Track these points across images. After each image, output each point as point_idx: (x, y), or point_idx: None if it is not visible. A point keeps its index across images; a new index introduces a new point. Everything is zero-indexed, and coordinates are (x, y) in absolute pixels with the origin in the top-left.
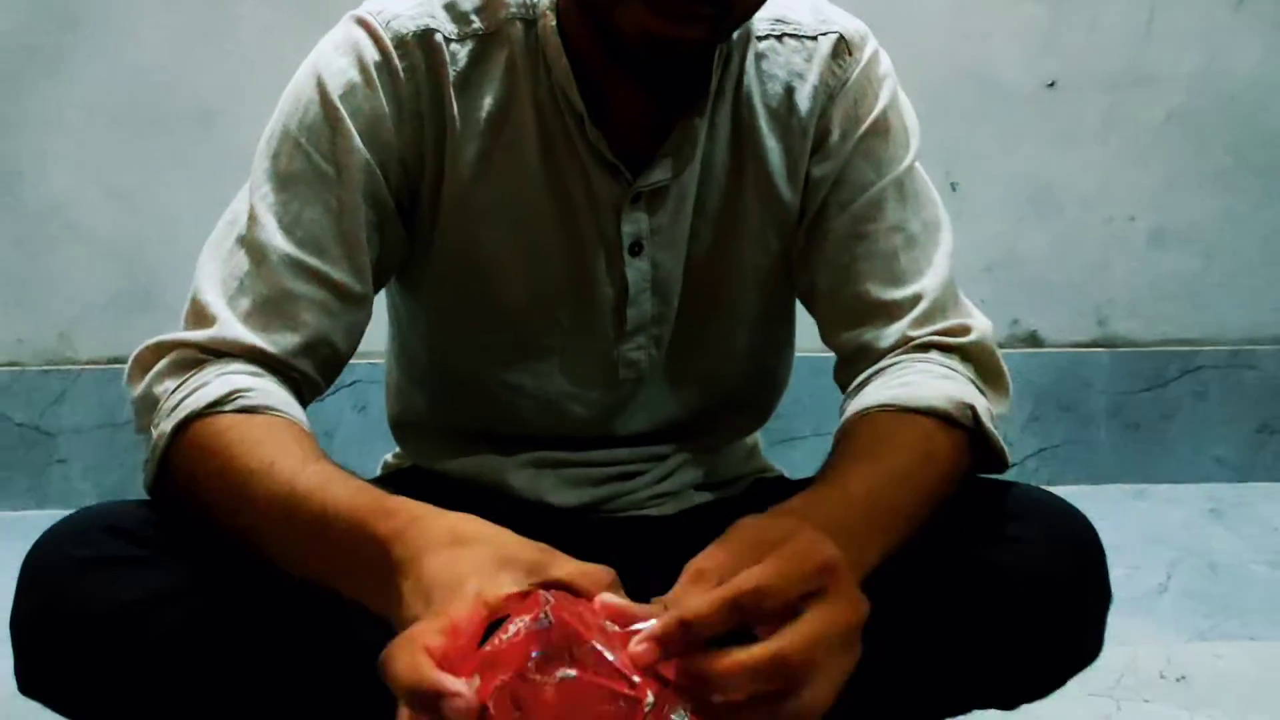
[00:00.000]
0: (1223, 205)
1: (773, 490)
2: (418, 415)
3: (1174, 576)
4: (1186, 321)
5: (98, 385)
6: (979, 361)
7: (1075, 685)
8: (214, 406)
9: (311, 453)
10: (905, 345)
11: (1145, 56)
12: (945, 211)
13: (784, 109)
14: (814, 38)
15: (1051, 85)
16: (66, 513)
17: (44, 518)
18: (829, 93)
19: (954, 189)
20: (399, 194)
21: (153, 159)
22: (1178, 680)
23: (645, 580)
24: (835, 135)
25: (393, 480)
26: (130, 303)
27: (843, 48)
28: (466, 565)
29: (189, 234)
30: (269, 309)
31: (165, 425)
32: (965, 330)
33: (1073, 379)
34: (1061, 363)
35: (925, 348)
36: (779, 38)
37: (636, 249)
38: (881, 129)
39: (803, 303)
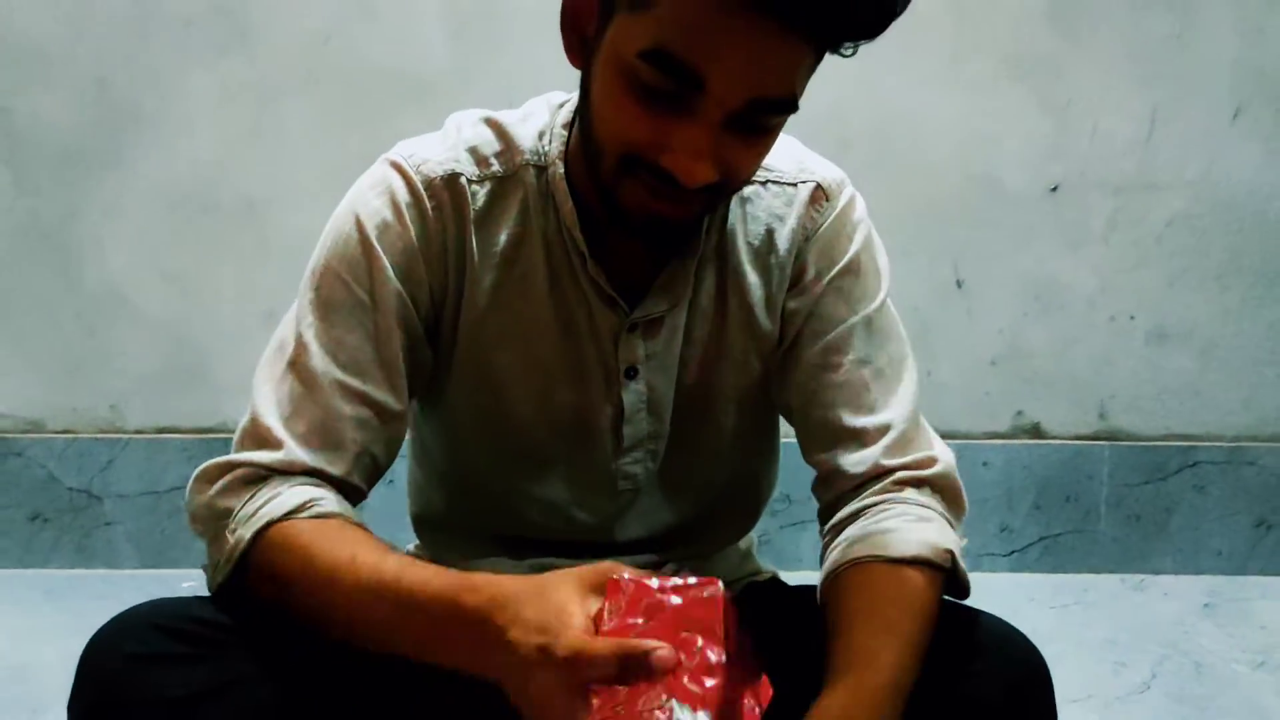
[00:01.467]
0: (1221, 306)
1: (764, 595)
2: (436, 514)
3: (1158, 676)
4: (1186, 417)
5: (144, 455)
6: (944, 491)
7: None
8: (292, 513)
9: (386, 546)
10: (879, 474)
11: (1146, 163)
12: (911, 348)
13: (765, 248)
14: (794, 184)
15: (1055, 189)
16: (112, 573)
17: (91, 577)
18: (805, 235)
19: (959, 286)
20: (426, 319)
21: (202, 245)
22: None
23: None
24: (810, 274)
25: None
26: (177, 379)
27: (820, 195)
28: (556, 598)
29: (234, 316)
30: (322, 430)
31: (244, 531)
32: (932, 462)
33: (1074, 471)
34: (1064, 455)
35: (900, 484)
36: (763, 183)
37: (632, 373)
38: (854, 269)
39: (785, 419)
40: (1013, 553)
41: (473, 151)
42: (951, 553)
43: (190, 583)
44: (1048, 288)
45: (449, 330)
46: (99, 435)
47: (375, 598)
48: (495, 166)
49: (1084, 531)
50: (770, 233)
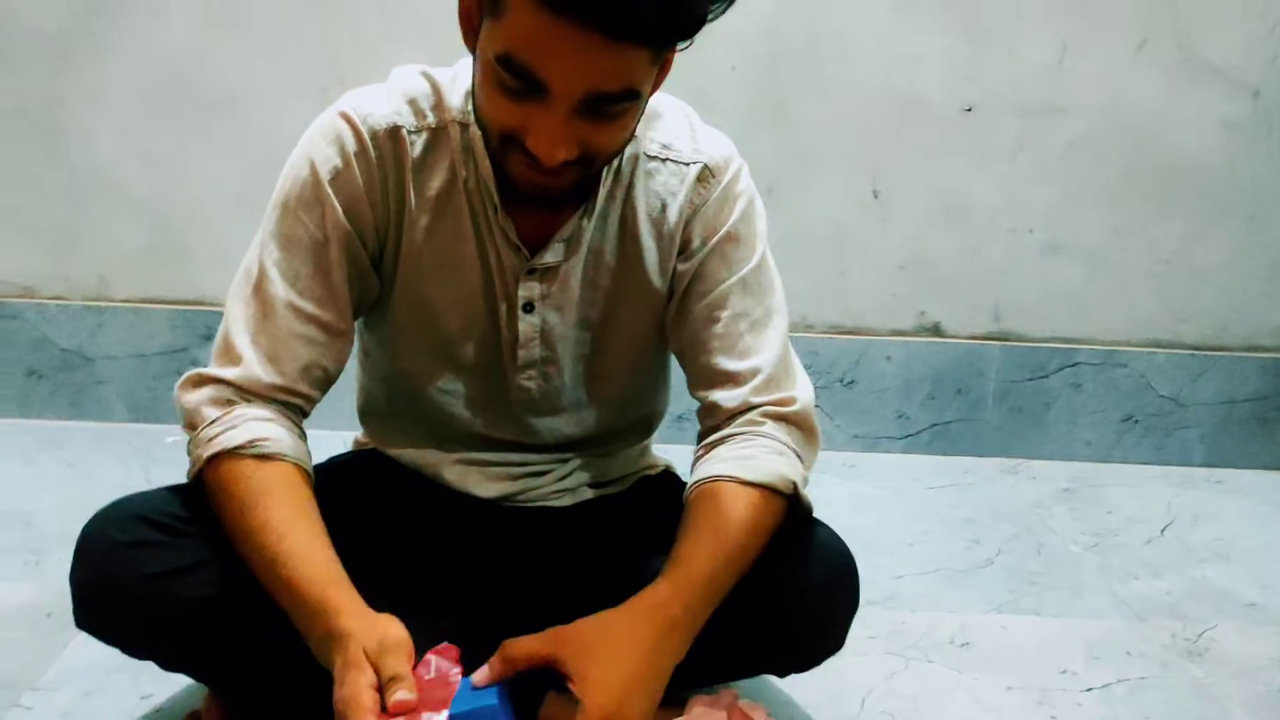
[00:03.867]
0: (1111, 223)
1: (654, 487)
2: (377, 408)
3: (1003, 553)
4: (1070, 322)
5: (130, 321)
6: (800, 425)
7: (876, 644)
8: (238, 450)
9: (297, 512)
10: (746, 409)
11: (1056, 89)
12: (784, 297)
13: (660, 218)
14: (687, 164)
15: (969, 110)
16: (103, 425)
17: (84, 429)
18: (693, 209)
19: (875, 196)
20: (372, 253)
21: (182, 131)
22: (962, 645)
23: (543, 560)
24: (696, 242)
25: (359, 460)
26: (159, 254)
27: (706, 174)
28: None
29: (211, 198)
30: (278, 346)
31: (203, 452)
32: (792, 401)
33: (968, 366)
34: (959, 352)
35: (764, 418)
36: (663, 161)
37: (529, 308)
38: (733, 237)
39: (677, 360)
40: (906, 437)
41: (412, 104)
42: (794, 483)
43: (174, 438)
44: (956, 200)
45: (390, 262)
46: (88, 303)
47: (267, 575)
48: (430, 118)
49: (971, 420)
50: (664, 206)
